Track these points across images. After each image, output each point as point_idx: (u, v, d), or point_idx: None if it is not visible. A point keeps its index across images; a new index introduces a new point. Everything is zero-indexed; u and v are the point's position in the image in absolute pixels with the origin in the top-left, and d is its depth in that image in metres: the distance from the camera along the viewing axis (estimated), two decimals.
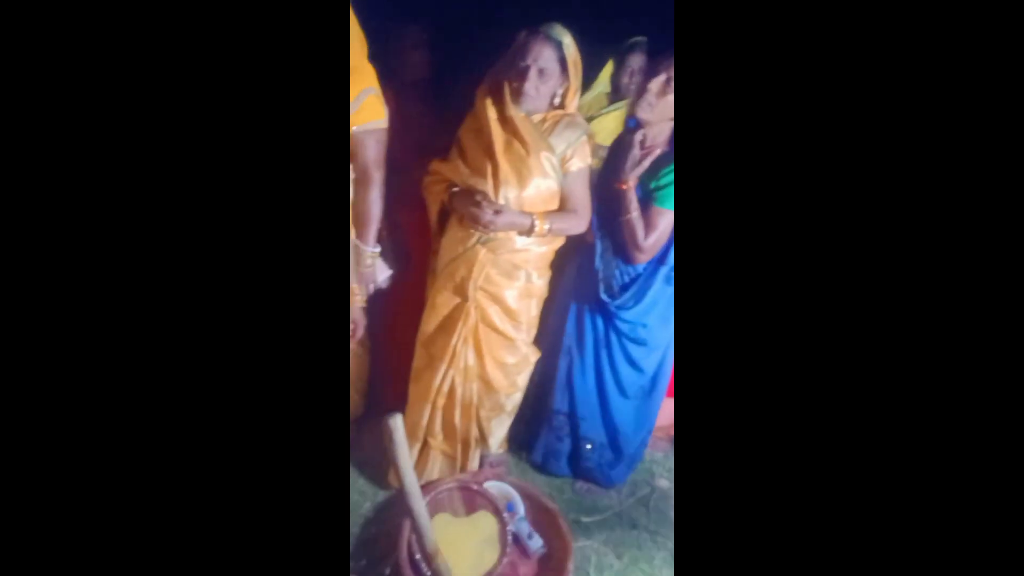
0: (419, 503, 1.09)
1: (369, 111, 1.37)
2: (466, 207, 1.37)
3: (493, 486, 1.61)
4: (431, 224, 1.54)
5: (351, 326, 1.48)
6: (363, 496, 1.70)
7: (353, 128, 1.36)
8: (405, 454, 1.08)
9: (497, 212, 1.34)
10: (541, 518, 1.59)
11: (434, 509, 1.55)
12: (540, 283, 1.52)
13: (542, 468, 1.82)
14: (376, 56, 1.46)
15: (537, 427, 1.79)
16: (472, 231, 1.41)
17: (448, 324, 1.50)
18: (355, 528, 1.60)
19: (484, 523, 1.54)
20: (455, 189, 1.41)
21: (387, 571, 1.34)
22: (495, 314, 1.48)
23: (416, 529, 1.11)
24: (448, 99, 1.67)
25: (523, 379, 1.62)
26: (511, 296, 1.48)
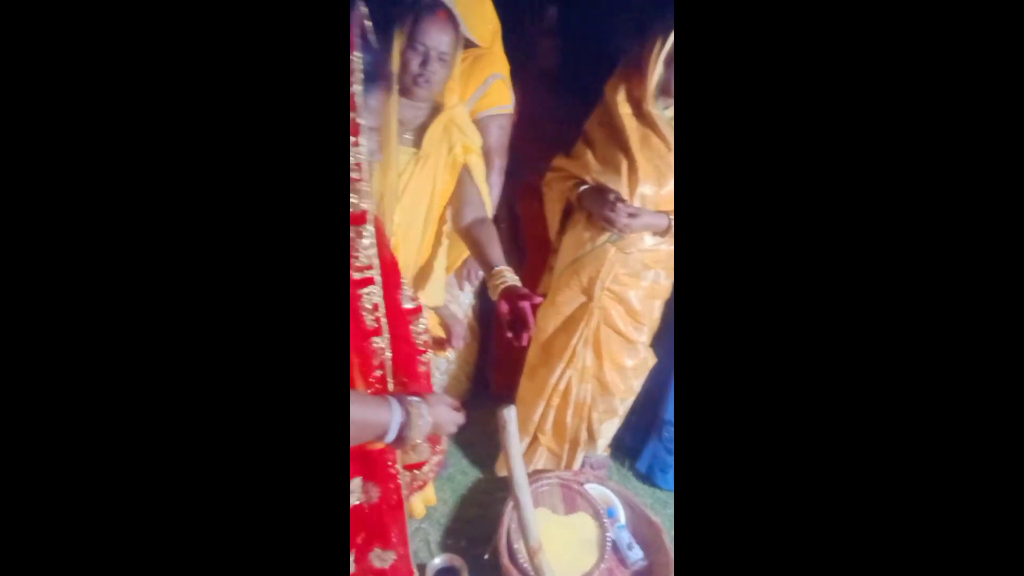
0: (526, 495, 1.08)
1: (494, 96, 1.37)
2: (598, 208, 1.31)
3: (594, 489, 1.57)
4: (550, 221, 1.51)
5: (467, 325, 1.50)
6: (465, 475, 1.75)
7: (477, 114, 1.37)
8: (516, 445, 1.07)
9: (632, 215, 1.27)
10: (643, 530, 1.52)
11: (533, 503, 1.55)
12: (667, 283, 1.44)
13: (646, 479, 1.74)
14: (509, 42, 1.45)
15: (645, 436, 1.71)
16: (601, 229, 1.35)
17: (569, 324, 1.47)
18: (452, 509, 1.64)
19: (583, 525, 1.50)
20: (584, 187, 1.36)
21: (486, 556, 1.35)
22: (618, 315, 1.43)
23: (521, 521, 1.10)
24: (574, 90, 1.62)
25: (639, 383, 1.56)
26: (636, 296, 1.41)
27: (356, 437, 0.75)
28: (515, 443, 1.08)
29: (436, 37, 1.10)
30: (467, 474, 1.75)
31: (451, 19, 1.15)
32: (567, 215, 1.47)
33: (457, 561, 1.39)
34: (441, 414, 0.81)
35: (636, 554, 1.47)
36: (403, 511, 0.91)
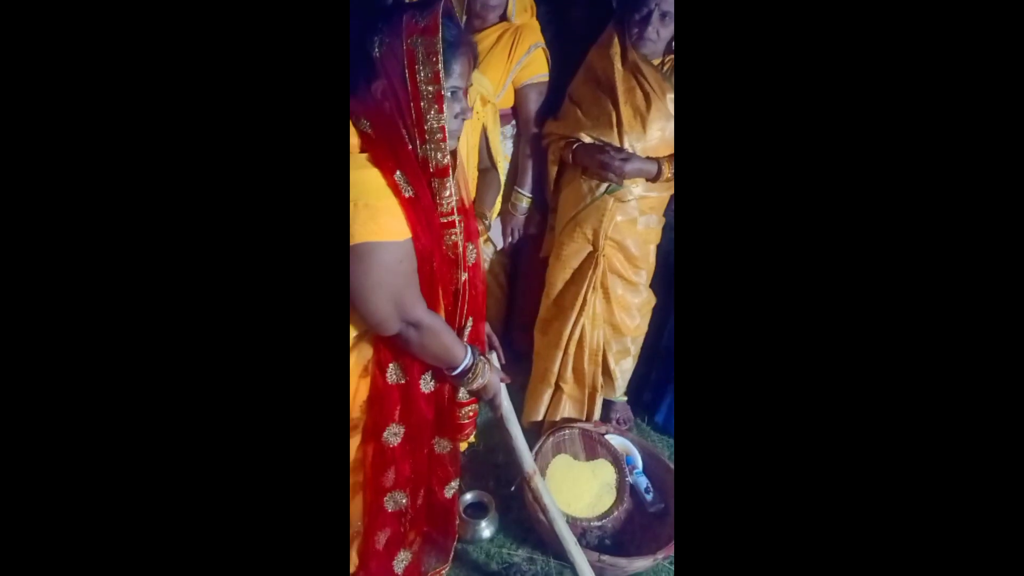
0: (516, 427, 1.16)
1: (535, 65, 1.50)
2: (593, 159, 1.41)
3: (614, 439, 1.67)
4: (548, 183, 1.61)
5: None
6: (497, 426, 1.84)
7: (520, 83, 1.50)
8: (503, 385, 1.15)
9: (625, 159, 1.38)
10: (662, 476, 1.60)
11: (556, 450, 1.66)
12: (658, 227, 1.55)
13: (663, 430, 1.82)
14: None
15: (662, 389, 1.79)
16: (597, 183, 1.45)
17: (578, 276, 1.57)
18: (481, 454, 1.74)
19: (603, 471, 1.60)
20: (577, 144, 1.45)
21: (512, 488, 1.48)
22: (619, 261, 1.54)
23: (515, 451, 1.18)
24: (561, 60, 1.67)
25: (645, 321, 1.66)
26: (633, 242, 1.52)
27: (433, 357, 0.95)
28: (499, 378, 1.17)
29: None
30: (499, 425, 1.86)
31: None
32: (560, 175, 1.57)
33: (485, 497, 1.53)
34: (493, 379, 1.03)
35: (653, 498, 1.56)
36: (424, 452, 1.06)
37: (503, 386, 1.08)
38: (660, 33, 1.35)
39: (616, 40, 1.39)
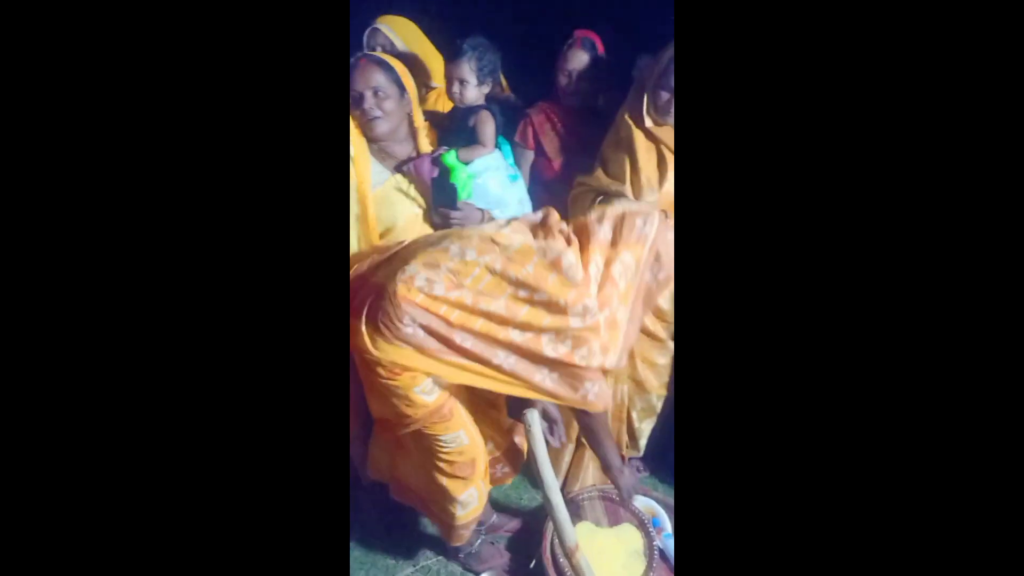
0: (557, 496, 1.13)
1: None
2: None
3: (638, 501, 1.58)
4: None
5: None
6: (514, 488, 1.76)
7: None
8: (542, 447, 1.13)
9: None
10: None
11: (576, 517, 1.56)
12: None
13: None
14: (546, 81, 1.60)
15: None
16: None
17: None
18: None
19: (629, 536, 1.51)
20: (601, 198, 1.49)
21: (532, 565, 1.39)
22: (646, 317, 1.50)
23: (555, 523, 1.14)
24: (596, 119, 1.72)
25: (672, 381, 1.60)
26: (660, 298, 1.49)
27: None
28: (541, 445, 1.14)
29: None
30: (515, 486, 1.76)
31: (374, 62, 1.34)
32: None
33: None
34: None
35: None
36: None
37: (544, 453, 1.04)
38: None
39: (628, 106, 1.48)
